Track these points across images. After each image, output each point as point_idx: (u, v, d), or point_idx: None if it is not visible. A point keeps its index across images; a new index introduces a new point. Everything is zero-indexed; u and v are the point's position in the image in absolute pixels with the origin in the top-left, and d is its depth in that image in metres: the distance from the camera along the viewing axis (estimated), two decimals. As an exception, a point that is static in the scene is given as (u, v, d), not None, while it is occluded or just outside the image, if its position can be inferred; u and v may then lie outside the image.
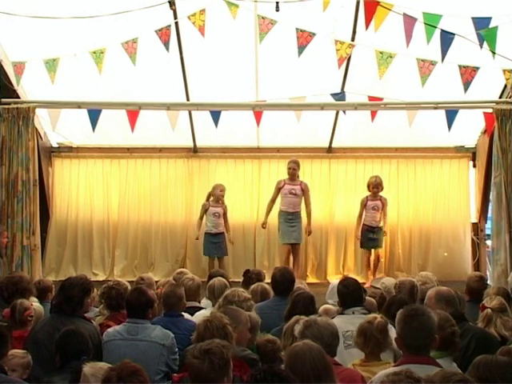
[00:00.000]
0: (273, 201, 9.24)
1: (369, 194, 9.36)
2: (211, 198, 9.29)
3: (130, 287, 5.62)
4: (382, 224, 9.34)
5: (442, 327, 4.07)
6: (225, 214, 9.31)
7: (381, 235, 9.36)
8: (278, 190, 9.15)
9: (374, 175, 9.44)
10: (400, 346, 3.77)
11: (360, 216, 9.38)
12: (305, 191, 9.13)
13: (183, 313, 5.41)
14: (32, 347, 4.56)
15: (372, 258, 9.45)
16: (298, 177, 9.19)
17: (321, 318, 4.20)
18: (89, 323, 4.92)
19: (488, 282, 8.50)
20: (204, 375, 3.26)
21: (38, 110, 8.71)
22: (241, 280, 7.38)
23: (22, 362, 4.27)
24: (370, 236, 9.32)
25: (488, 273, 9.36)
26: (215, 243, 9.20)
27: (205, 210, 9.27)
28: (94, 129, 8.65)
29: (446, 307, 4.75)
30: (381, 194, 9.38)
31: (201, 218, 9.31)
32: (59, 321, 4.72)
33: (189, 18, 7.12)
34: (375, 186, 9.28)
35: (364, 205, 9.35)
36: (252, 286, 6.13)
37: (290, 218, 9.09)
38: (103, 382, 3.25)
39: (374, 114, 8.77)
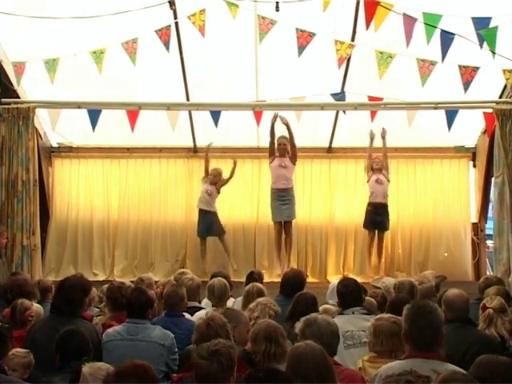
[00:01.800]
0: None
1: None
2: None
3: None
4: (387, 204, 9.18)
5: None
6: (217, 191, 9.38)
7: (386, 216, 9.19)
8: (270, 162, 9.10)
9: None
10: (407, 342, 3.76)
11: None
12: (291, 150, 9.04)
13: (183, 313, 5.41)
14: (30, 347, 4.54)
15: (376, 242, 9.26)
16: (288, 152, 9.09)
17: (321, 316, 4.17)
18: (88, 322, 4.91)
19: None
20: (213, 376, 3.27)
21: (37, 110, 8.71)
22: (241, 280, 7.37)
23: (22, 361, 4.26)
24: (374, 218, 9.14)
25: (488, 273, 9.35)
26: (208, 223, 9.25)
27: (204, 181, 9.39)
28: (94, 129, 8.66)
29: (446, 311, 4.73)
30: None
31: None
32: (58, 321, 4.71)
33: (189, 17, 7.13)
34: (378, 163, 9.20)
35: (370, 167, 9.23)
36: (247, 287, 6.12)
37: (282, 194, 9.03)
38: (115, 382, 3.22)
39: (373, 114, 8.78)
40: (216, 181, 9.37)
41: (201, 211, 9.34)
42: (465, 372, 3.30)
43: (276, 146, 9.07)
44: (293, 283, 6.04)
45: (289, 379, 3.13)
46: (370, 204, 9.24)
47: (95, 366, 3.64)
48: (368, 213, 9.23)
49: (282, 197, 9.03)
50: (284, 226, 9.12)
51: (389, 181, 9.26)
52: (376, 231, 9.31)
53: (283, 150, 9.04)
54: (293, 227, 9.25)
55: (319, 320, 4.01)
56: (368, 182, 9.31)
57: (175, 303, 5.33)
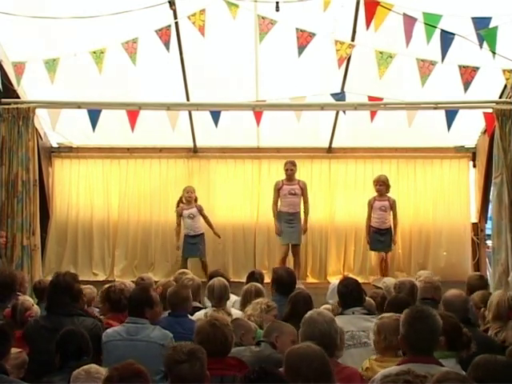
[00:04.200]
0: (275, 203, 9.21)
1: (376, 194, 9.28)
2: (184, 201, 9.30)
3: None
4: (391, 226, 9.23)
5: (456, 329, 4.05)
6: (201, 212, 9.26)
7: (389, 238, 9.26)
8: (278, 191, 9.14)
9: (380, 174, 9.41)
10: (403, 346, 3.76)
11: (369, 218, 9.27)
12: (303, 189, 9.13)
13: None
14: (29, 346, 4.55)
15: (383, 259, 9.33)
16: (295, 177, 9.16)
17: (319, 314, 4.15)
18: (87, 318, 4.90)
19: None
20: (197, 377, 3.24)
21: (37, 110, 8.71)
22: (241, 280, 7.36)
23: (16, 362, 4.23)
24: (378, 238, 9.20)
25: (488, 273, 9.35)
26: (193, 244, 9.17)
27: (179, 215, 9.27)
28: (94, 129, 8.65)
29: (446, 311, 4.74)
30: (389, 195, 9.30)
31: (178, 224, 9.30)
32: (56, 320, 4.72)
33: (189, 17, 7.12)
34: (378, 183, 9.18)
35: (371, 205, 9.23)
36: (246, 286, 6.13)
37: (291, 218, 9.08)
38: (104, 382, 3.24)
39: (373, 114, 8.76)
40: (190, 198, 9.23)
41: (186, 236, 9.25)
42: (458, 372, 3.30)
43: (284, 170, 9.14)
44: (288, 282, 6.08)
45: (281, 379, 3.11)
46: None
47: (88, 368, 3.64)
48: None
49: (291, 220, 9.09)
50: (292, 248, 9.13)
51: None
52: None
53: (290, 176, 9.08)
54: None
55: (316, 318, 3.99)
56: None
57: (177, 303, 5.34)
